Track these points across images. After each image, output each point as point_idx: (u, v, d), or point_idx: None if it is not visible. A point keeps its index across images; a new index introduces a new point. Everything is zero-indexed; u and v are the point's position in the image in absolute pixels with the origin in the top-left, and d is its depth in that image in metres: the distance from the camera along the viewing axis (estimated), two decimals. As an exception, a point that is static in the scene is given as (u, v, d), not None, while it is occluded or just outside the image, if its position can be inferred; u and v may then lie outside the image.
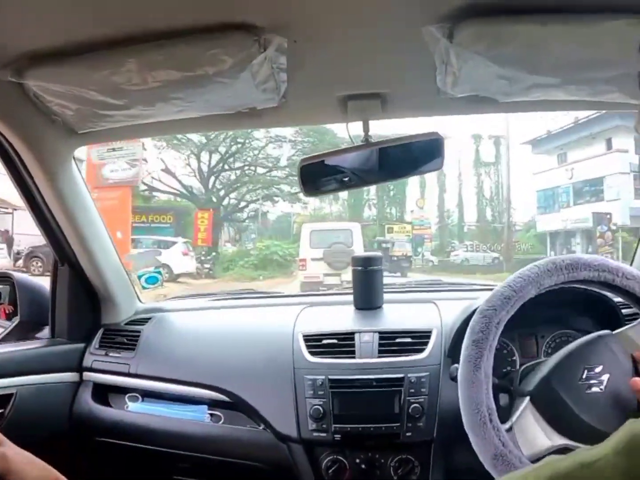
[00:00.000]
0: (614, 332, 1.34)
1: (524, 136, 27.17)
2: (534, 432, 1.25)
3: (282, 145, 24.41)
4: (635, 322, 1.36)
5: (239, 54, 1.18)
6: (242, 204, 26.05)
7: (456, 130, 26.13)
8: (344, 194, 26.77)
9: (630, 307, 1.51)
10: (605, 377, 1.24)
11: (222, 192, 25.07)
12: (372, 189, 26.81)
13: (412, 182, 26.20)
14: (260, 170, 25.09)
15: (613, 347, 1.29)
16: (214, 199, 24.16)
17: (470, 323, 1.32)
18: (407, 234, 24.51)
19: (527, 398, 1.29)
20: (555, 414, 1.25)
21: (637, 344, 1.29)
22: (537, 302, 1.31)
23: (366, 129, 1.53)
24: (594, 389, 1.24)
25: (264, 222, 28.90)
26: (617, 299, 1.61)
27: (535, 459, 1.20)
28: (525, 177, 27.80)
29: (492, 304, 1.30)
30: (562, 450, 1.21)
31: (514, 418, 1.29)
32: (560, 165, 25.41)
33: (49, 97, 1.36)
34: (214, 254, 21.24)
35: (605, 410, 1.22)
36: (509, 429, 1.26)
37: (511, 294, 1.29)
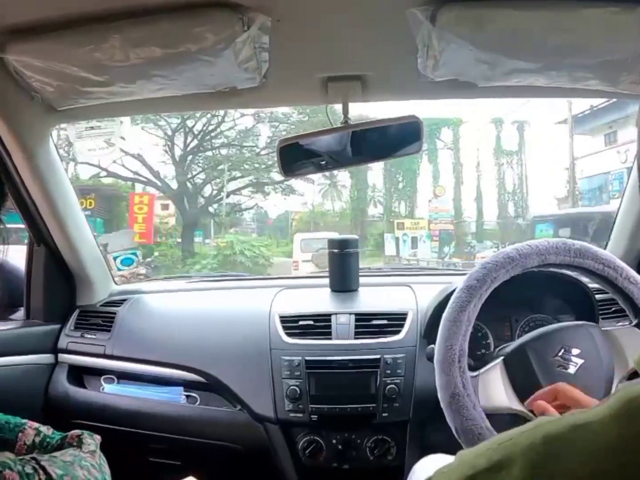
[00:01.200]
0: (603, 328, 1.36)
1: (559, 114, 21.49)
2: (496, 390, 1.28)
3: (276, 125, 21.43)
4: (625, 325, 1.38)
5: (222, 32, 1.17)
6: (222, 194, 22.39)
7: (474, 114, 23.84)
8: (347, 187, 25.82)
9: (604, 293, 1.53)
10: (579, 362, 1.26)
11: (197, 179, 22.01)
12: (379, 182, 24.98)
13: (424, 173, 23.26)
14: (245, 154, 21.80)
15: (597, 339, 1.31)
16: (189, 187, 21.42)
17: (469, 273, 1.33)
18: (422, 229, 21.51)
19: (501, 358, 1.32)
20: (522, 381, 1.27)
21: (620, 346, 1.31)
22: (512, 285, 1.33)
23: (345, 111, 1.52)
24: (566, 370, 1.26)
25: (259, 219, 28.30)
26: (592, 285, 1.64)
27: (488, 413, 1.23)
28: (561, 162, 22.47)
29: (495, 259, 1.31)
30: (515, 416, 1.25)
31: (482, 370, 1.31)
32: (610, 147, 19.94)
33: (29, 73, 1.33)
34: (156, 254, 17.51)
35: None
36: (474, 377, 1.28)
37: (515, 255, 1.31)
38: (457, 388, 1.23)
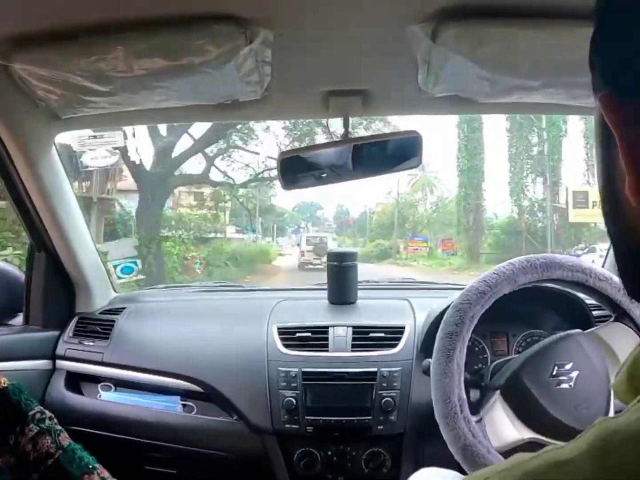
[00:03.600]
0: (585, 331, 1.37)
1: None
2: (503, 425, 1.28)
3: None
4: (606, 323, 1.39)
5: (225, 45, 1.18)
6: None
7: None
8: (440, 180, 24.57)
9: (601, 309, 1.54)
10: (574, 374, 1.27)
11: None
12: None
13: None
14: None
15: (584, 345, 1.32)
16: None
17: (445, 316, 1.34)
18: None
19: (498, 392, 1.32)
20: (525, 408, 1.28)
21: (607, 344, 1.32)
22: (509, 300, 1.34)
23: (346, 125, 1.53)
24: (563, 385, 1.27)
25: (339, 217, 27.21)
26: (590, 301, 1.65)
27: (504, 452, 1.23)
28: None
29: (467, 298, 1.33)
30: (530, 444, 1.25)
31: (484, 410, 1.31)
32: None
33: (34, 81, 1.34)
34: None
35: (573, 407, 1.25)
36: (479, 421, 1.29)
37: (486, 289, 1.32)
38: (467, 439, 1.24)
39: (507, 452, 1.24)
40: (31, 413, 1.29)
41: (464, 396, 1.28)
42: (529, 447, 1.25)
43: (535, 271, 1.34)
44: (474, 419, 1.27)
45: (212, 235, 19.26)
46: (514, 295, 1.35)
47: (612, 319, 1.38)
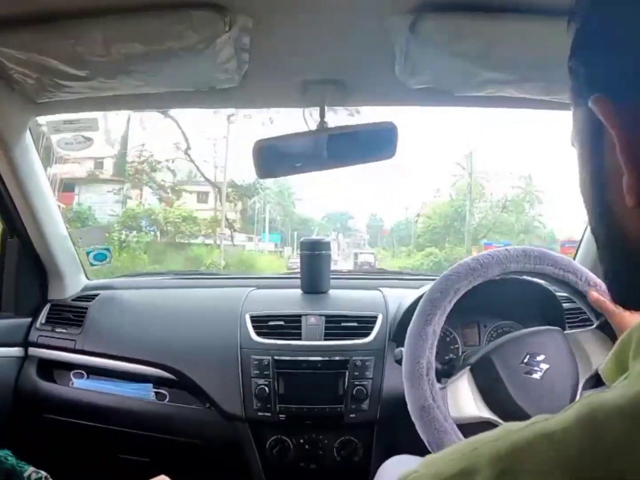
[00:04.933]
0: (565, 331, 1.38)
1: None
2: (465, 399, 1.30)
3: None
4: (587, 329, 1.40)
5: (204, 31, 1.17)
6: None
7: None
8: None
9: (572, 302, 1.56)
10: (544, 367, 1.29)
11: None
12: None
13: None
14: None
15: (560, 343, 1.33)
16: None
17: (432, 285, 1.35)
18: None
19: (467, 367, 1.34)
20: (490, 389, 1.30)
21: (583, 349, 1.34)
22: (482, 291, 1.35)
23: (322, 114, 1.52)
24: (532, 375, 1.28)
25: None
26: (562, 294, 1.67)
27: (459, 424, 1.25)
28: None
29: (456, 271, 1.34)
30: (487, 424, 1.27)
31: (450, 380, 1.34)
32: None
33: (9, 64, 1.32)
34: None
35: (537, 398, 1.27)
36: (443, 388, 1.30)
37: (477, 266, 1.33)
38: (427, 401, 1.25)
39: (461, 425, 1.25)
40: (26, 474, 1.31)
41: (433, 361, 1.29)
42: (484, 426, 1.27)
43: (528, 262, 1.36)
44: (438, 385, 1.29)
45: (198, 240, 17.27)
46: (487, 286, 1.36)
47: (593, 326, 1.40)
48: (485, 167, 21.47)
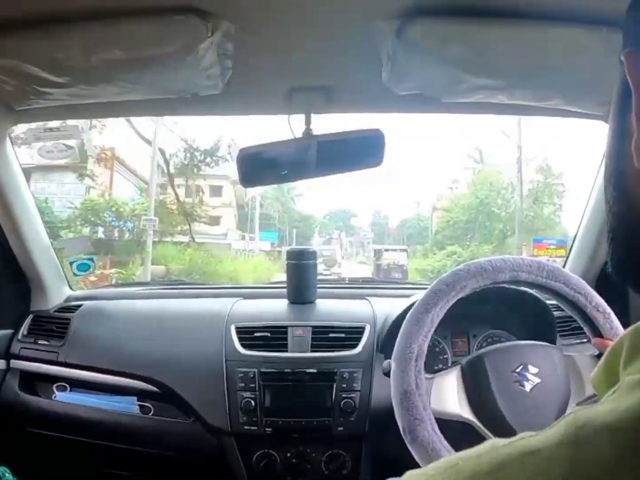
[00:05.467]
0: (566, 353, 1.36)
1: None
2: (450, 395, 1.29)
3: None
4: (589, 356, 1.39)
5: (185, 37, 1.15)
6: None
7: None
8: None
9: (563, 310, 1.55)
10: (536, 380, 1.27)
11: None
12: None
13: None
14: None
15: (557, 362, 1.32)
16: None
17: (439, 277, 1.34)
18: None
19: (458, 366, 1.33)
20: (476, 390, 1.29)
21: (580, 373, 1.32)
22: (471, 301, 1.33)
23: (308, 122, 1.51)
24: (521, 386, 1.27)
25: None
26: (552, 303, 1.65)
27: (437, 417, 1.24)
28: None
29: (467, 268, 1.32)
30: (465, 425, 1.27)
31: (439, 374, 1.32)
32: None
33: None
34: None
35: (521, 409, 1.25)
36: (430, 379, 1.29)
37: (488, 267, 1.32)
38: (409, 386, 1.24)
39: (439, 420, 1.24)
40: None
41: (425, 349, 1.28)
42: (462, 426, 1.27)
43: (540, 274, 1.34)
44: (425, 375, 1.27)
45: (167, 238, 15.64)
46: (477, 294, 1.35)
47: (596, 354, 1.37)
48: (499, 160, 19.89)
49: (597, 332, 1.34)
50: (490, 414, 1.25)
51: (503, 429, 1.23)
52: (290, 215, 24.24)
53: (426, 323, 1.28)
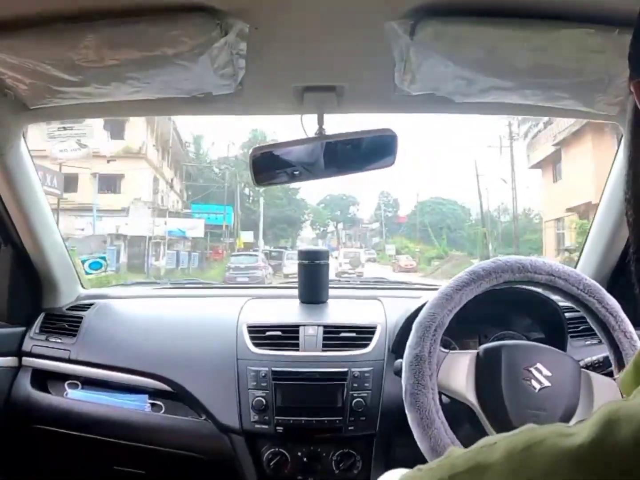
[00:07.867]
0: (583, 369, 1.36)
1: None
2: (459, 374, 1.31)
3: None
4: (605, 372, 1.38)
5: (199, 37, 1.16)
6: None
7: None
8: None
9: (575, 311, 1.54)
10: (546, 383, 1.27)
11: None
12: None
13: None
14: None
15: (573, 374, 1.32)
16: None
17: (479, 262, 1.36)
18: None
19: (475, 351, 1.34)
20: (485, 377, 1.30)
21: (593, 391, 1.31)
22: (481, 302, 1.34)
23: (320, 122, 1.52)
24: (530, 383, 1.28)
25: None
26: (564, 304, 1.65)
27: (441, 390, 1.28)
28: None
29: (507, 260, 1.35)
30: (465, 405, 1.29)
31: (453, 351, 1.34)
32: None
33: (2, 69, 1.31)
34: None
35: (523, 405, 1.26)
36: (444, 352, 1.32)
37: (528, 265, 1.34)
38: (422, 352, 1.26)
39: (443, 389, 1.28)
40: None
41: (446, 323, 1.30)
42: (462, 406, 1.30)
43: (577, 287, 1.35)
44: (440, 348, 1.30)
45: None
46: (487, 295, 1.35)
47: (614, 377, 1.37)
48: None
49: (619, 356, 1.34)
50: (493, 402, 1.27)
51: (501, 420, 1.24)
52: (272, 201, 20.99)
53: (454, 299, 1.30)
